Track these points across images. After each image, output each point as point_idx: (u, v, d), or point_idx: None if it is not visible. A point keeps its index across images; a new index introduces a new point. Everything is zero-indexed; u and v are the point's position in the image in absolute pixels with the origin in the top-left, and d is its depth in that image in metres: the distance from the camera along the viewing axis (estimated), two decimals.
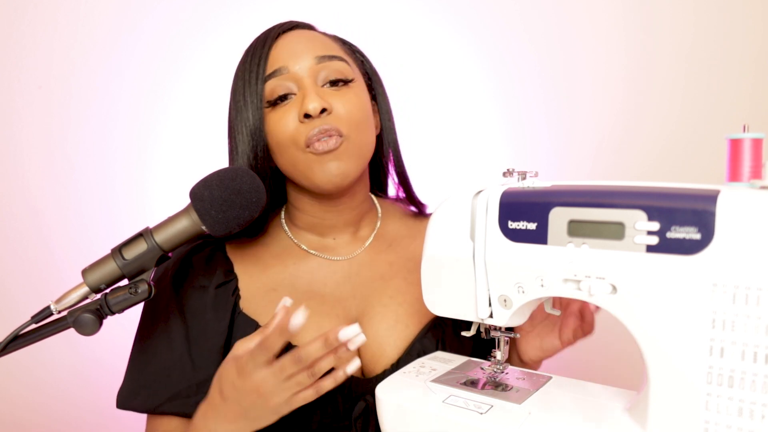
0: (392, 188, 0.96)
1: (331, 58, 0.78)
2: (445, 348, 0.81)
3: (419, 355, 0.79)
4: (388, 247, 0.89)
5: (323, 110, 0.75)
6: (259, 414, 0.64)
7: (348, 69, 0.80)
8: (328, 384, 0.64)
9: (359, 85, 0.81)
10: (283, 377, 0.62)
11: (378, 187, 0.95)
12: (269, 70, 0.77)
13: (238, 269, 0.83)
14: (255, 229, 0.85)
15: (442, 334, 0.82)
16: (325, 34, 0.84)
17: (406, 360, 0.78)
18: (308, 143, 0.75)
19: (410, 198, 0.93)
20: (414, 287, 0.84)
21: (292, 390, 0.63)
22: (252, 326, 0.79)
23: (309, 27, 0.84)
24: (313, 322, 0.79)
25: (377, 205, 0.93)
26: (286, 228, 0.88)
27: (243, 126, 0.78)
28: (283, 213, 0.90)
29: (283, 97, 0.77)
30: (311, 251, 0.86)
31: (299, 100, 0.76)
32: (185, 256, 0.83)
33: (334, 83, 0.78)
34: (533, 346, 0.78)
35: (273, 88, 0.77)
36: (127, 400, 0.78)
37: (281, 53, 0.78)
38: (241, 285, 0.82)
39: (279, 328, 0.61)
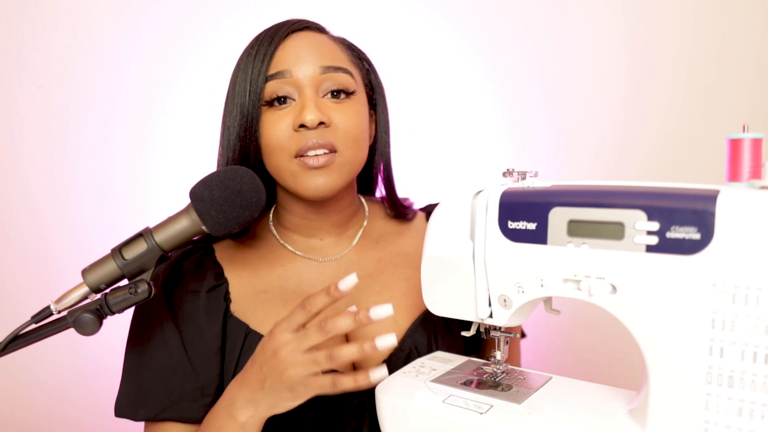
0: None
1: (336, 69, 0.77)
2: (438, 342, 0.81)
3: (411, 351, 0.79)
4: (375, 244, 0.89)
5: (321, 123, 0.75)
6: (275, 385, 0.65)
7: (351, 82, 0.79)
8: (347, 382, 0.64)
9: (360, 99, 0.81)
10: (304, 346, 0.63)
11: (367, 188, 0.95)
12: (272, 70, 0.77)
13: (228, 273, 0.83)
14: (242, 230, 0.84)
15: (433, 327, 0.82)
16: (334, 39, 0.83)
17: (398, 355, 0.78)
18: (299, 153, 0.75)
19: (394, 207, 0.92)
20: (402, 282, 0.84)
21: (309, 367, 0.63)
22: (242, 329, 0.78)
23: (320, 29, 0.83)
24: None
25: (365, 204, 0.93)
26: (274, 230, 0.88)
27: (238, 118, 0.78)
28: (271, 215, 0.90)
29: (282, 100, 0.77)
30: (299, 253, 0.86)
31: (297, 108, 0.76)
32: (176, 262, 0.83)
33: (335, 94, 0.77)
34: None
35: (273, 89, 0.76)
36: (126, 408, 0.77)
37: (287, 55, 0.77)
38: (232, 288, 0.82)
39: (325, 290, 0.65)
